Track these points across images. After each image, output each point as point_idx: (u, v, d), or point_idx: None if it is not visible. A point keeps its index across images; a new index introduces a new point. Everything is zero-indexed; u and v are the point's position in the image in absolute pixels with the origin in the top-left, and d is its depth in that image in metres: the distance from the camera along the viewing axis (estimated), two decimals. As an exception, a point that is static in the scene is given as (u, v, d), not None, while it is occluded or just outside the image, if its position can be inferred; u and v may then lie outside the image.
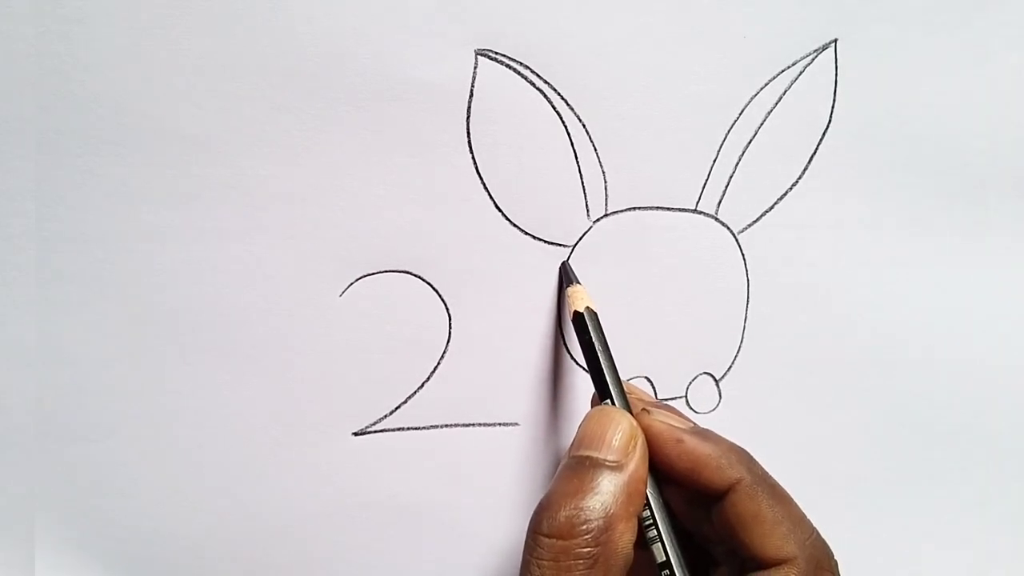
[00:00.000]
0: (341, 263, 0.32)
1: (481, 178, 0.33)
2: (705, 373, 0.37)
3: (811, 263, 0.38)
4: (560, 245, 0.35)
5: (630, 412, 0.29)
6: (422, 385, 0.34)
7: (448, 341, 0.34)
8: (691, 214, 0.36)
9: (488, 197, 0.33)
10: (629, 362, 0.36)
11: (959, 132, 0.38)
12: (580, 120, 0.33)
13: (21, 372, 0.28)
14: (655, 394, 0.37)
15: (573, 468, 0.27)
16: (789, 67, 0.35)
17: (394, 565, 0.35)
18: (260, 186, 0.30)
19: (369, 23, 0.30)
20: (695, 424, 0.30)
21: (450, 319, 0.34)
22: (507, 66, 0.32)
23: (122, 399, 0.29)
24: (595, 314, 0.31)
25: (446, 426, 0.35)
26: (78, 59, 0.27)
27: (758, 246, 0.37)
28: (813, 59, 0.35)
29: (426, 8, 0.30)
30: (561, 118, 0.33)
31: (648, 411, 0.29)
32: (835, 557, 0.29)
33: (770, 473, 0.29)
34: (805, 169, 0.36)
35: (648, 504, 0.28)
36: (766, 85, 0.35)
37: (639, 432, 0.28)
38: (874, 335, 0.39)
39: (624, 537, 0.26)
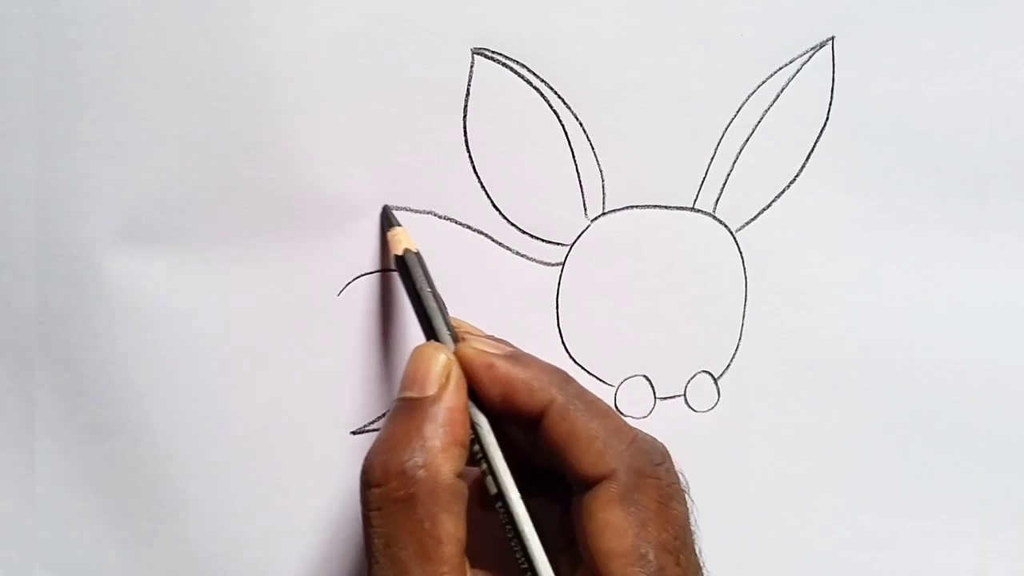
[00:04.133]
0: (338, 262, 0.32)
1: (478, 177, 0.33)
2: (704, 371, 0.37)
3: (809, 261, 0.37)
4: (558, 244, 0.35)
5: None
6: (420, 384, 0.34)
7: (446, 340, 0.34)
8: (689, 212, 0.36)
9: (485, 196, 0.33)
10: (627, 360, 0.36)
11: (957, 129, 0.38)
12: (577, 119, 0.33)
13: (21, 373, 0.28)
14: (654, 393, 0.37)
15: (390, 414, 0.27)
16: (786, 65, 0.35)
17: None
18: (257, 187, 0.30)
19: (365, 23, 0.30)
20: (515, 349, 0.29)
21: (448, 318, 0.34)
22: (504, 65, 0.32)
23: (121, 401, 0.29)
24: (417, 255, 0.30)
25: (444, 425, 0.34)
26: (75, 61, 0.27)
27: (756, 244, 0.37)
28: (810, 57, 0.35)
29: (422, 7, 0.30)
30: (558, 117, 0.33)
31: (465, 340, 0.28)
32: (668, 456, 0.28)
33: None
34: (803, 167, 0.37)
35: (476, 437, 0.27)
36: (763, 83, 0.35)
37: (453, 363, 0.27)
38: (873, 333, 0.39)
39: (443, 469, 0.25)
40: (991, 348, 0.40)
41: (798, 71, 0.35)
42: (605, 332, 0.36)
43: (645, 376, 0.37)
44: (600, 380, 0.36)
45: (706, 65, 0.34)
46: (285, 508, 0.32)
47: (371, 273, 0.32)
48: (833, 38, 0.35)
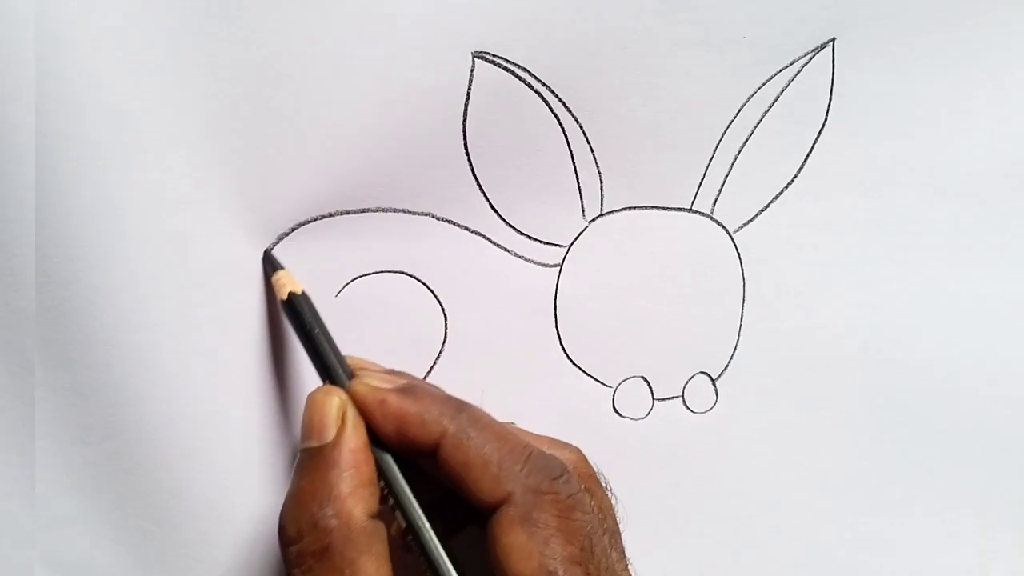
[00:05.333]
0: (338, 262, 0.32)
1: (477, 179, 0.33)
2: (702, 372, 0.37)
3: (807, 262, 0.37)
4: (556, 245, 0.35)
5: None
6: (418, 385, 0.34)
7: (444, 342, 0.34)
8: (686, 213, 0.36)
9: (484, 198, 0.33)
10: (625, 362, 0.36)
11: (956, 131, 0.38)
12: (577, 121, 0.33)
13: (21, 374, 0.28)
14: (652, 394, 0.37)
15: (296, 468, 0.27)
16: (787, 67, 0.35)
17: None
18: (256, 188, 0.30)
19: (365, 26, 0.30)
20: (410, 381, 0.28)
21: (446, 320, 0.34)
22: (504, 68, 0.31)
23: (119, 402, 0.29)
24: (303, 296, 0.29)
25: (442, 426, 0.35)
26: (75, 61, 0.27)
27: (754, 245, 0.37)
28: (811, 59, 0.35)
29: (423, 11, 0.30)
30: (558, 119, 0.33)
31: (357, 377, 0.28)
32: (578, 463, 0.28)
33: (496, 419, 0.28)
34: (801, 168, 0.36)
35: (381, 473, 0.27)
36: (763, 85, 0.35)
37: (347, 403, 0.27)
38: (871, 333, 0.39)
39: (354, 513, 0.25)
40: (989, 348, 0.40)
41: (798, 73, 0.35)
42: (603, 333, 0.36)
43: (643, 377, 0.37)
44: (598, 381, 0.36)
45: (707, 67, 0.34)
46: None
47: (369, 275, 0.33)
48: (834, 40, 0.35)
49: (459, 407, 0.27)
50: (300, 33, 0.29)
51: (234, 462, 0.31)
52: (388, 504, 0.27)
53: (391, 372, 0.30)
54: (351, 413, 0.27)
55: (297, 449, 0.28)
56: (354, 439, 0.27)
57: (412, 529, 0.27)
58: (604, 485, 0.29)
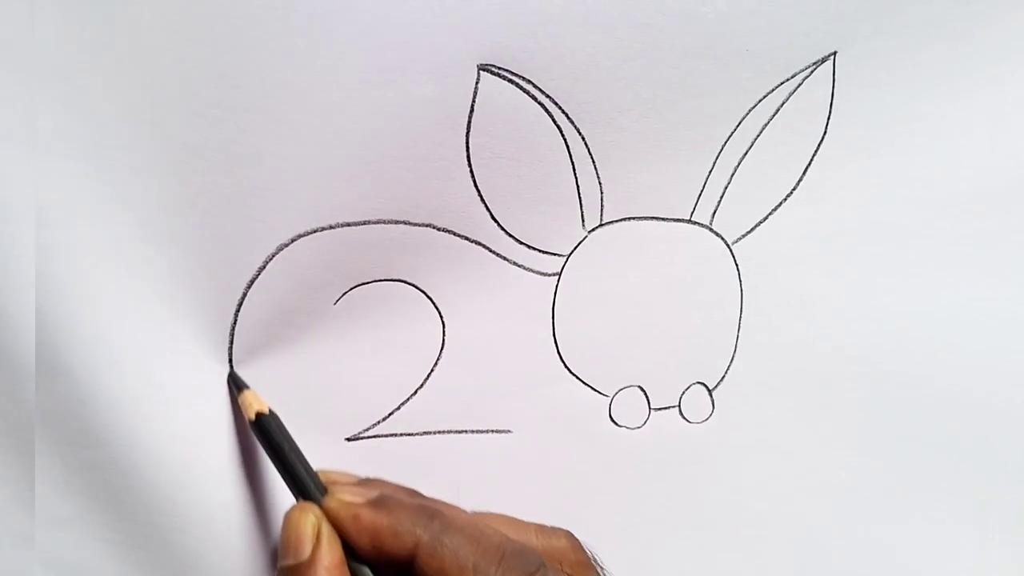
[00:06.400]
0: (336, 272, 0.32)
1: (478, 190, 0.33)
2: (698, 383, 0.37)
3: (805, 273, 0.38)
4: (555, 255, 0.35)
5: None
6: (416, 391, 0.34)
7: (442, 348, 0.34)
8: (686, 224, 0.36)
9: (484, 208, 0.33)
10: (622, 371, 0.36)
11: (954, 144, 0.38)
12: (579, 132, 0.33)
13: (20, 378, 0.28)
14: (648, 403, 0.37)
15: None
16: (788, 80, 0.35)
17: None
18: (257, 195, 0.30)
19: (371, 37, 0.30)
20: (381, 492, 0.29)
21: (444, 327, 0.34)
22: (509, 80, 0.31)
23: (117, 407, 0.29)
24: (270, 414, 0.30)
25: (439, 432, 0.35)
26: (76, 64, 0.27)
27: (752, 256, 0.37)
28: (812, 72, 0.35)
29: (428, 22, 0.30)
30: (560, 130, 0.33)
31: (330, 492, 0.28)
32: (565, 551, 0.29)
33: (472, 512, 0.28)
34: (800, 180, 0.37)
35: None
36: (764, 97, 0.35)
37: (322, 520, 0.27)
38: (867, 345, 0.39)
39: None
40: (987, 359, 0.40)
41: (799, 86, 0.35)
42: (600, 342, 0.36)
43: (640, 387, 0.37)
44: (595, 390, 0.36)
45: (710, 79, 0.34)
46: (278, 512, 0.32)
47: (367, 284, 0.33)
48: (835, 53, 0.35)
49: (431, 514, 0.28)
50: (304, 44, 0.29)
51: (230, 462, 0.31)
52: None
53: (363, 482, 0.30)
54: (326, 529, 0.27)
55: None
56: (329, 556, 0.27)
57: None
58: (599, 568, 0.29)
